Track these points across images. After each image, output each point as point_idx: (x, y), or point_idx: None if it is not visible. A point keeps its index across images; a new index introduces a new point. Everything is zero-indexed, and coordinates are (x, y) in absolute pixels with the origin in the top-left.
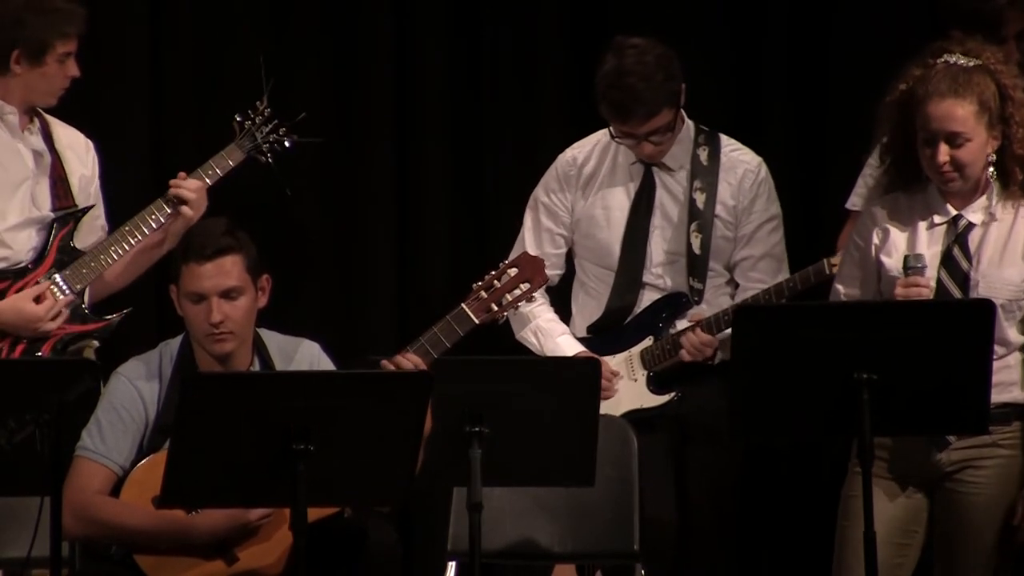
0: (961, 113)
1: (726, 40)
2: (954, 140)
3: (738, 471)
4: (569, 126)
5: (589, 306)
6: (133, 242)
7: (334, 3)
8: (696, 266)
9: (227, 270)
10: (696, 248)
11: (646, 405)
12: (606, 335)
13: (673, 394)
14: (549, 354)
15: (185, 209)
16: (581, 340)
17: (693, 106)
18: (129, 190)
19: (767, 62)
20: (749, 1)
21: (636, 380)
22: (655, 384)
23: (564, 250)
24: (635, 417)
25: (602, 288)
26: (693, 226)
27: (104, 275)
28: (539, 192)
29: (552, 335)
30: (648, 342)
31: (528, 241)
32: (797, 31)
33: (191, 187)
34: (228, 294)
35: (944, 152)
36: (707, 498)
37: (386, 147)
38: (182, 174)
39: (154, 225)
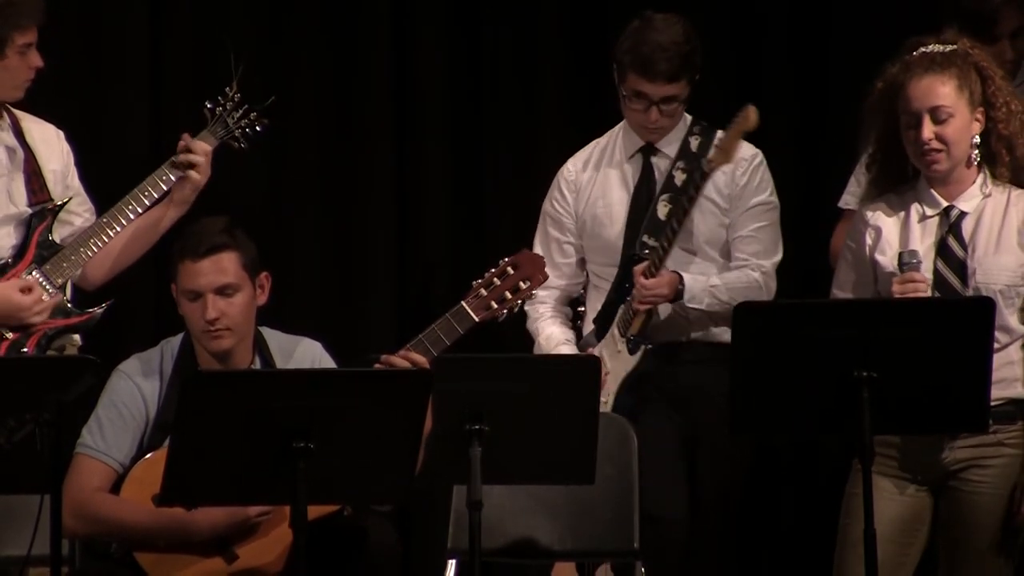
0: (943, 89)
1: (726, 40)
2: (937, 115)
3: (746, 469)
4: (569, 126)
5: (598, 304)
6: (132, 216)
7: (334, 3)
8: (654, 227)
9: (222, 267)
10: (661, 214)
11: (628, 369)
12: (602, 328)
13: (644, 346)
14: None
15: (192, 173)
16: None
17: (693, 104)
18: (128, 186)
19: (767, 62)
20: (749, 1)
21: (620, 351)
22: (632, 346)
23: (574, 259)
24: (629, 386)
25: (609, 285)
26: (664, 197)
27: (104, 255)
28: (546, 204)
29: (549, 348)
30: (620, 311)
31: (540, 254)
32: (797, 31)
33: (199, 150)
34: (223, 291)
35: (928, 128)
36: (716, 496)
37: (386, 147)
38: (187, 135)
39: (164, 188)
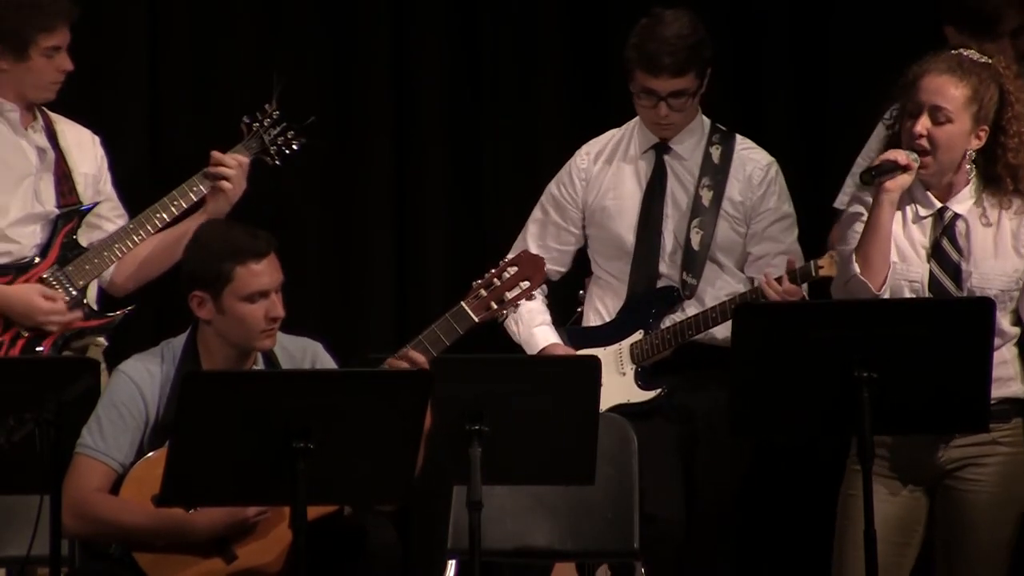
0: (953, 92)
1: (726, 40)
2: (936, 115)
3: (744, 470)
4: (569, 126)
5: (603, 301)
6: (159, 223)
7: (334, 3)
8: (691, 261)
9: (278, 263)
10: (695, 244)
11: (633, 400)
12: (597, 328)
13: (660, 390)
14: (523, 342)
15: (225, 184)
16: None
17: None
18: (126, 186)
19: (767, 62)
20: (749, 1)
21: (624, 374)
22: (643, 379)
23: (569, 248)
24: (623, 412)
25: (614, 281)
26: (695, 222)
27: (129, 261)
28: (552, 186)
29: (530, 324)
30: (638, 336)
31: (532, 232)
32: (797, 31)
33: (231, 163)
34: (280, 287)
35: (923, 124)
36: (713, 497)
37: (385, 147)
38: (216, 152)
39: (194, 198)
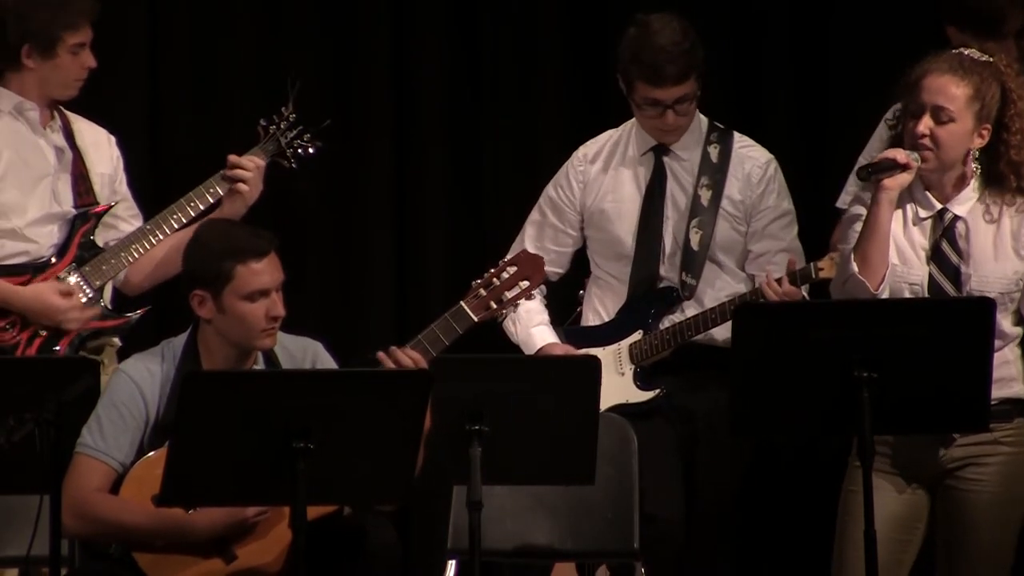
0: (955, 91)
1: (726, 40)
2: (939, 115)
3: (743, 469)
4: (569, 126)
5: (602, 301)
6: (176, 224)
7: (334, 3)
8: (690, 261)
9: (279, 262)
10: (694, 244)
11: (632, 400)
12: (595, 327)
13: (659, 390)
14: (521, 342)
15: (242, 186)
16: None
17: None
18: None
19: (767, 62)
20: (749, 1)
21: (623, 374)
22: (641, 379)
23: (567, 250)
24: (621, 412)
25: (614, 282)
26: (694, 222)
27: (146, 261)
28: (549, 188)
29: (528, 324)
30: (637, 336)
31: (529, 233)
32: (797, 31)
33: (249, 165)
34: (280, 286)
35: (925, 124)
36: (713, 497)
37: (385, 147)
38: (232, 155)
39: (210, 200)
